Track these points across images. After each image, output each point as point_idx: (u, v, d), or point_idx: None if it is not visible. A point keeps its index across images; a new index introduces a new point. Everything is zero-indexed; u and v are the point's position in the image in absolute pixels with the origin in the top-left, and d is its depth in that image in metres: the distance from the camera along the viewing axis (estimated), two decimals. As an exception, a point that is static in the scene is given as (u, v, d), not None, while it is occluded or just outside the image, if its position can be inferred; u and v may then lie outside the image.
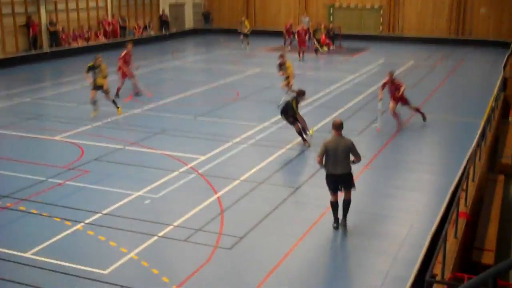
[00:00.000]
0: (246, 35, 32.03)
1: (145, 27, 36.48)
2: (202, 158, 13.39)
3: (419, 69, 26.23)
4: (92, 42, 31.79)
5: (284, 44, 32.39)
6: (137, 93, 20.21)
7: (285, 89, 18.55)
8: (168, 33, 37.49)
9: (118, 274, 8.33)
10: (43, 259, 8.73)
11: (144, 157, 13.53)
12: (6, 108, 18.59)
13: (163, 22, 37.90)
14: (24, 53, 28.28)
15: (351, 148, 9.43)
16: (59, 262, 8.62)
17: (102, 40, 32.65)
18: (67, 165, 12.79)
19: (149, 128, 15.96)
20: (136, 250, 8.97)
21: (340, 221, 9.73)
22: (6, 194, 11.14)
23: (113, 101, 17.47)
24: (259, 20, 39.61)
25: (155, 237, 9.43)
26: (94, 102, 17.04)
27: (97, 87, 17.11)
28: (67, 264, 8.58)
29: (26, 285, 8.08)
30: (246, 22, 32.45)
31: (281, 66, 19.07)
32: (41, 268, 8.50)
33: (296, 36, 29.78)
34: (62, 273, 8.37)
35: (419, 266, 8.32)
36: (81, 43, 31.17)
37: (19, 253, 8.87)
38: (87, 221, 10.00)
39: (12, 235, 9.60)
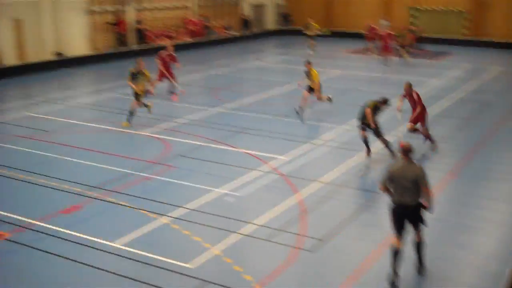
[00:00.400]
0: (311, 37, 31.55)
1: (227, 27, 37.03)
2: (283, 158, 13.48)
3: (508, 76, 25.26)
4: (176, 41, 32.59)
5: (368, 46, 31.84)
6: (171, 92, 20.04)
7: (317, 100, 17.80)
8: (249, 33, 37.97)
9: (201, 269, 8.53)
10: (130, 249, 9.07)
11: (226, 155, 13.77)
12: (96, 103, 19.42)
13: (245, 23, 38.37)
14: (112, 50, 29.40)
15: (419, 178, 7.97)
16: (145, 253, 8.92)
17: (186, 39, 33.40)
18: (153, 160, 13.23)
19: (231, 126, 16.24)
20: (220, 246, 9.16)
21: (417, 267, 8.46)
22: (97, 185, 11.67)
23: (141, 105, 16.43)
24: (340, 22, 39.32)
25: (238, 235, 9.60)
26: (132, 113, 16.07)
27: (138, 96, 16.23)
28: (152, 255, 8.86)
29: (113, 273, 8.43)
30: (314, 24, 31.88)
31: (306, 74, 17.83)
32: (128, 258, 8.84)
33: (379, 40, 29.37)
34: (147, 264, 8.66)
35: (509, 281, 8.05)
36: (165, 42, 31.98)
37: (107, 242, 9.26)
38: (172, 215, 10.31)
39: (102, 224, 10.03)
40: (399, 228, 8.12)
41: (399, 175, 8.05)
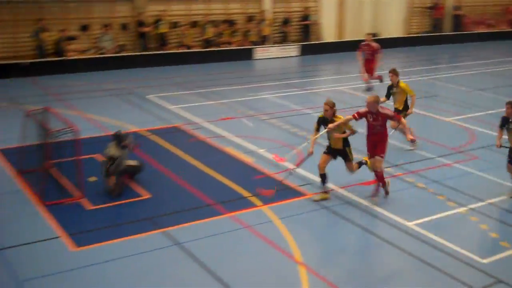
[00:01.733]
0: None
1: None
2: None
3: None
4: (494, 29, 30.89)
5: None
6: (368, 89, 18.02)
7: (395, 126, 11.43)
8: None
9: (495, 267, 8.20)
10: (422, 231, 9.14)
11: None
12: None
13: None
14: (426, 34, 29.29)
15: None
16: (437, 239, 8.90)
17: (504, 28, 31.41)
18: (456, 148, 12.99)
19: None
20: (518, 248, 8.69)
21: None
22: (398, 164, 11.98)
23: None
24: None
25: (543, 241, 8.95)
26: (324, 179, 10.28)
27: (332, 151, 10.29)
28: (444, 242, 8.80)
29: (400, 248, 8.62)
30: None
31: (391, 89, 12.60)
32: (418, 239, 8.92)
33: None
34: (438, 249, 8.64)
35: None
36: (483, 29, 30.58)
37: (403, 221, 9.47)
38: (470, 206, 10.06)
39: (399, 203, 10.25)
40: None
41: None
